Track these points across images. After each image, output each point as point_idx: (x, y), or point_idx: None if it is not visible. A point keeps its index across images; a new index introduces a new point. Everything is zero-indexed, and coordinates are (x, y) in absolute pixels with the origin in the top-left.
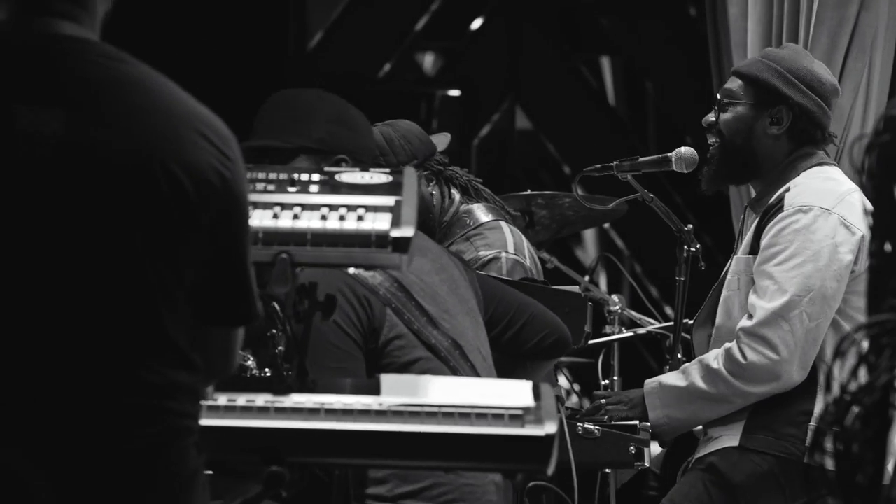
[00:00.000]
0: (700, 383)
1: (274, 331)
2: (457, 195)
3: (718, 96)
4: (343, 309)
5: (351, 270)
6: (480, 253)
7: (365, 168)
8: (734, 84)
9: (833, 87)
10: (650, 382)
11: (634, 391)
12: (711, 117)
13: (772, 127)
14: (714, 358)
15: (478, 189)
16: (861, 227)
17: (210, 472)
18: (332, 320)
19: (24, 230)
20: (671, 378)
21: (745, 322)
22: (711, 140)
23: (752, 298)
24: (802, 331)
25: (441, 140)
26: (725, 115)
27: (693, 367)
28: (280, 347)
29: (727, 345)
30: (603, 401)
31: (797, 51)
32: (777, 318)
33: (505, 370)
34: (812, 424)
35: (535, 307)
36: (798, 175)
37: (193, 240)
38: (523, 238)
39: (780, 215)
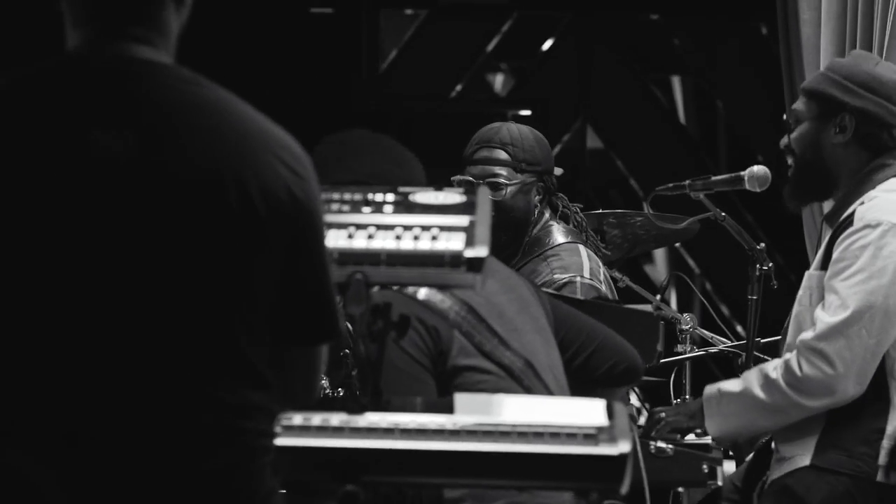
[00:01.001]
0: (758, 391)
1: (347, 351)
2: (547, 213)
3: (786, 118)
4: (410, 335)
5: (420, 295)
6: (556, 276)
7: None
8: (800, 102)
9: (892, 79)
10: (709, 389)
11: (693, 402)
12: (785, 139)
13: (837, 136)
14: (774, 368)
15: (575, 219)
16: None
17: (284, 492)
18: (400, 346)
19: (99, 252)
20: (730, 384)
21: (805, 334)
22: (790, 161)
23: (818, 311)
24: (861, 346)
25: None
26: (794, 134)
27: (753, 375)
28: (355, 369)
29: (787, 355)
30: (662, 414)
31: (859, 55)
32: (836, 333)
33: (576, 394)
34: (886, 443)
35: (605, 333)
36: (874, 188)
37: (268, 259)
38: (600, 263)
39: (850, 230)
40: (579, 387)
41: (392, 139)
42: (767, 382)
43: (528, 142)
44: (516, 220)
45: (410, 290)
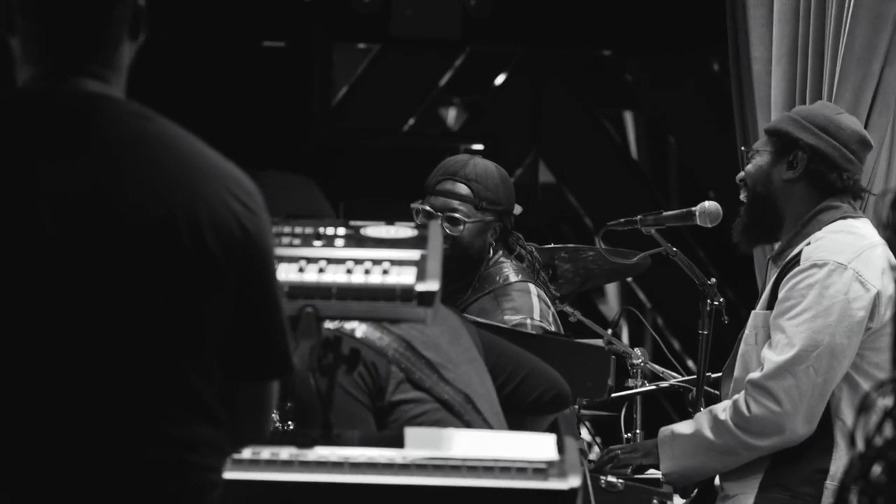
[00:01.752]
0: (708, 433)
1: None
2: (501, 251)
3: (743, 150)
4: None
5: (358, 333)
6: (507, 317)
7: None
8: (760, 140)
9: (857, 134)
10: (664, 431)
11: (649, 441)
12: (741, 173)
13: (788, 171)
14: (723, 409)
15: (530, 259)
16: (877, 283)
17: None
18: (339, 384)
19: (49, 288)
20: (683, 427)
21: (753, 374)
22: (742, 196)
23: (765, 351)
24: (809, 385)
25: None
26: (749, 168)
27: (703, 417)
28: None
29: (735, 396)
30: (618, 451)
31: (824, 104)
32: (783, 372)
33: (507, 423)
34: (829, 483)
35: (533, 362)
36: (821, 229)
37: (218, 294)
38: (549, 304)
39: (797, 269)
40: (508, 415)
41: (301, 177)
42: (717, 424)
43: (493, 180)
44: (470, 258)
45: (348, 328)
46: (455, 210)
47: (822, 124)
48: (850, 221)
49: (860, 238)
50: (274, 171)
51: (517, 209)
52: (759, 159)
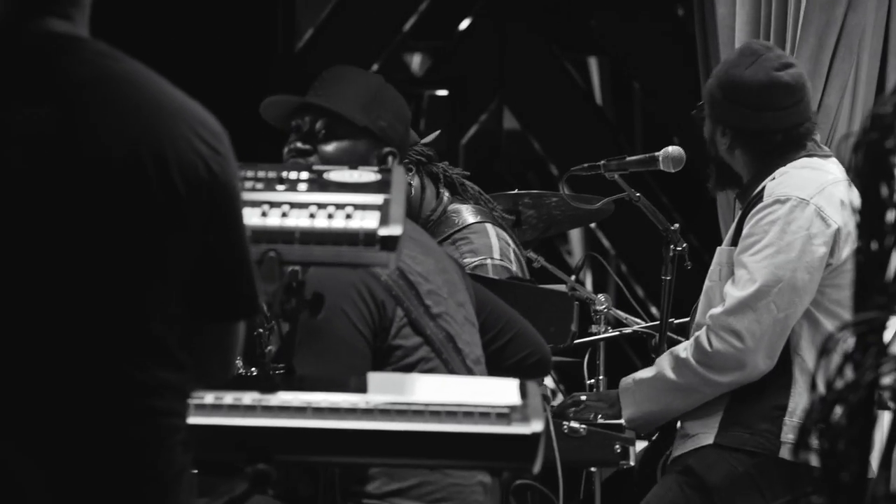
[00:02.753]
0: (669, 373)
1: (261, 330)
2: (446, 194)
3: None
4: (357, 305)
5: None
6: (466, 259)
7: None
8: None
9: (763, 85)
10: (625, 380)
11: (613, 391)
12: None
13: (722, 139)
14: (684, 348)
15: (464, 185)
16: (838, 219)
17: (196, 472)
18: (345, 315)
19: (11, 226)
20: (644, 372)
21: (715, 310)
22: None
23: (727, 286)
24: (770, 320)
25: (429, 136)
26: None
27: (664, 359)
28: (270, 347)
29: (697, 333)
30: (583, 397)
31: (740, 52)
32: (744, 307)
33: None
34: (787, 419)
35: (522, 324)
36: (785, 164)
37: (183, 235)
38: (509, 241)
39: (760, 205)
40: (488, 370)
41: (402, 97)
42: (678, 363)
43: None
44: None
45: None
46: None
47: (728, 89)
48: (814, 159)
49: (824, 174)
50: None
51: (431, 136)
52: (705, 124)
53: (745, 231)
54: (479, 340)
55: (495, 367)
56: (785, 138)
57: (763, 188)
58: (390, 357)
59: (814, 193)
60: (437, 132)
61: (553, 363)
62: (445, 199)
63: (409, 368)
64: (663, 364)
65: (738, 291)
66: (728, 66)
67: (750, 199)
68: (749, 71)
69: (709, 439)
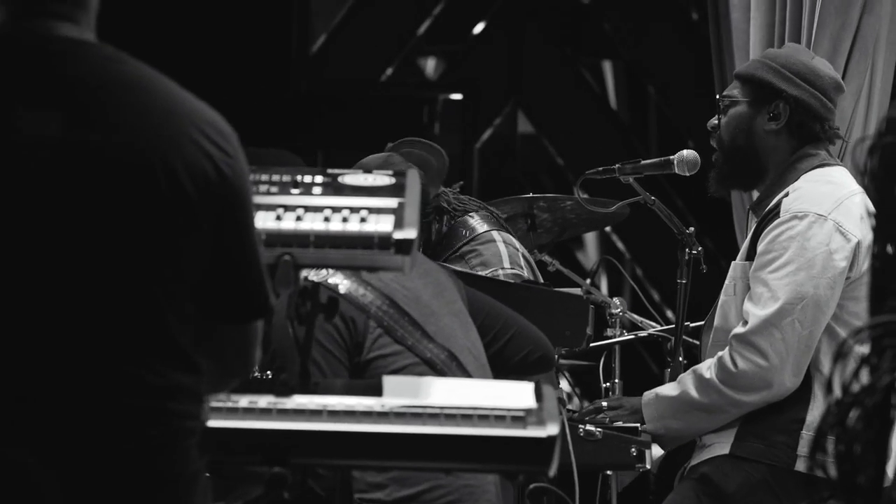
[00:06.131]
0: (694, 393)
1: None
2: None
3: (718, 99)
4: (327, 329)
5: (341, 290)
6: (477, 272)
7: (367, 170)
8: (733, 87)
9: (833, 80)
10: (648, 394)
11: (635, 398)
12: (714, 121)
13: (770, 123)
14: (707, 368)
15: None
16: (857, 233)
17: (209, 475)
18: (317, 340)
19: (24, 232)
20: (667, 389)
21: (737, 329)
22: (713, 143)
23: (747, 305)
24: (795, 338)
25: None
26: (725, 118)
27: (687, 378)
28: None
29: (720, 353)
30: (604, 403)
31: (796, 48)
32: (769, 326)
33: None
34: (805, 433)
35: (520, 322)
36: (798, 178)
37: (195, 237)
38: (518, 248)
39: (777, 221)
40: (493, 372)
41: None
42: (702, 383)
43: (432, 166)
44: None
45: (331, 283)
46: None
47: (801, 72)
48: (827, 170)
49: (838, 187)
50: (253, 147)
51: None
52: (736, 108)
53: (761, 247)
54: (477, 336)
55: (499, 368)
56: (825, 135)
57: (779, 203)
58: (370, 368)
59: (831, 209)
60: (461, 183)
61: (568, 367)
62: (445, 219)
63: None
64: (687, 383)
65: (760, 310)
66: (787, 54)
67: (764, 214)
68: (816, 62)
69: (724, 449)
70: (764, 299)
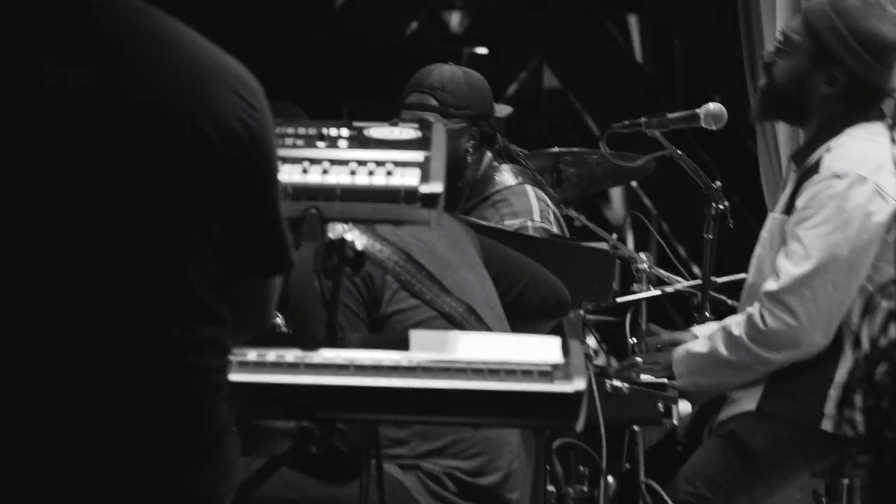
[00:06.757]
0: (723, 350)
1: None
2: (488, 154)
3: (781, 36)
4: (344, 284)
5: (358, 246)
6: (506, 221)
7: (393, 123)
8: (797, 28)
9: (894, 43)
10: (679, 350)
11: (668, 353)
12: (771, 57)
13: (825, 86)
14: (736, 324)
15: (511, 152)
16: None
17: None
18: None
19: (50, 182)
20: (697, 345)
21: (769, 285)
22: (764, 79)
23: (780, 260)
24: (826, 299)
25: (502, 109)
26: (782, 62)
27: (717, 334)
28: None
29: (749, 309)
30: (639, 359)
31: (868, 4)
32: (800, 285)
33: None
34: (833, 392)
35: (534, 268)
36: (842, 132)
37: (220, 191)
38: (549, 203)
39: (816, 177)
40: (510, 321)
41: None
42: (731, 341)
43: (459, 85)
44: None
45: (348, 238)
46: (423, 122)
47: (867, 42)
48: (872, 125)
49: (880, 146)
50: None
51: (504, 110)
52: (795, 59)
53: (800, 202)
54: (493, 287)
55: (516, 317)
56: (878, 100)
57: (820, 158)
58: (389, 323)
59: (873, 170)
60: (510, 109)
61: (595, 322)
62: (486, 158)
63: (413, 328)
64: (717, 340)
65: (793, 268)
66: (861, 14)
67: (807, 170)
68: (885, 27)
69: (751, 405)
70: (798, 257)
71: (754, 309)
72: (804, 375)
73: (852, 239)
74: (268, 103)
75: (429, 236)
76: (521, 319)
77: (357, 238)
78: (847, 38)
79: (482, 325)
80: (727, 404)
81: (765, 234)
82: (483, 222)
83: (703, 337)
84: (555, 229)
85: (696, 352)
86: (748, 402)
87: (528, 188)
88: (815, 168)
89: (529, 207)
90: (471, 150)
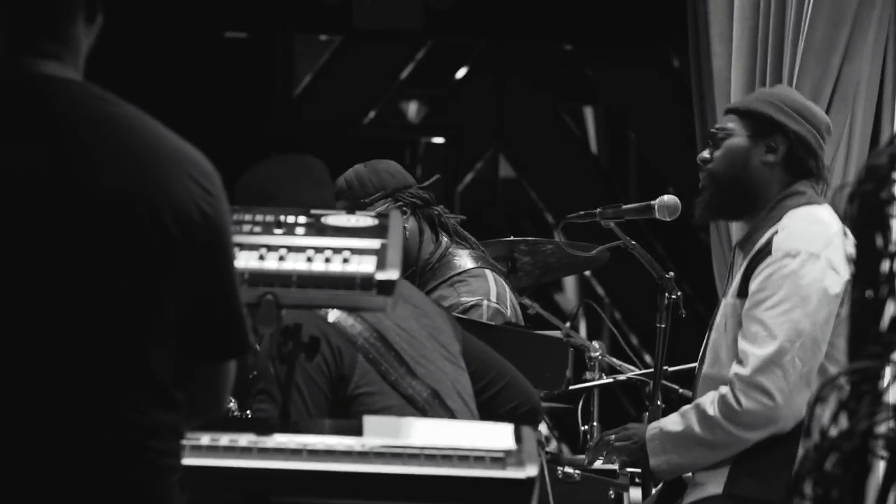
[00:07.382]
0: (697, 429)
1: (256, 372)
2: (445, 238)
3: (713, 132)
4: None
5: (331, 318)
6: (462, 299)
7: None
8: (729, 120)
9: (826, 121)
10: (652, 428)
11: (640, 427)
12: (706, 154)
13: (767, 155)
14: (710, 403)
15: (458, 230)
16: (846, 270)
17: None
18: (303, 367)
19: (7, 269)
20: (671, 424)
21: (739, 369)
22: (703, 177)
23: (743, 344)
24: (796, 375)
25: (427, 181)
26: (720, 151)
27: (691, 413)
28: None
29: (722, 389)
30: (612, 436)
31: (789, 88)
32: (770, 365)
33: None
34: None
35: (513, 373)
36: (785, 215)
37: (177, 276)
38: (507, 288)
39: (769, 259)
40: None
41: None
42: (706, 421)
43: (361, 178)
44: None
45: (322, 311)
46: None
47: (799, 109)
48: (814, 209)
49: (826, 226)
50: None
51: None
52: (733, 140)
53: (754, 286)
54: (468, 380)
55: (486, 417)
56: (818, 168)
57: (769, 240)
58: (355, 404)
59: (822, 247)
60: (436, 177)
61: (547, 409)
62: (444, 242)
63: (376, 414)
64: (691, 419)
65: (759, 350)
66: (786, 91)
67: (756, 253)
68: (809, 102)
69: (717, 489)
70: (761, 338)
71: (726, 390)
72: (771, 455)
73: (812, 313)
74: (224, 190)
75: (410, 325)
76: (490, 420)
77: (330, 310)
78: (781, 106)
79: (447, 411)
80: (691, 488)
81: (718, 319)
82: (462, 317)
83: (675, 414)
84: (509, 313)
85: (671, 430)
86: (714, 485)
87: (488, 272)
88: (765, 250)
89: (487, 289)
90: (406, 225)
